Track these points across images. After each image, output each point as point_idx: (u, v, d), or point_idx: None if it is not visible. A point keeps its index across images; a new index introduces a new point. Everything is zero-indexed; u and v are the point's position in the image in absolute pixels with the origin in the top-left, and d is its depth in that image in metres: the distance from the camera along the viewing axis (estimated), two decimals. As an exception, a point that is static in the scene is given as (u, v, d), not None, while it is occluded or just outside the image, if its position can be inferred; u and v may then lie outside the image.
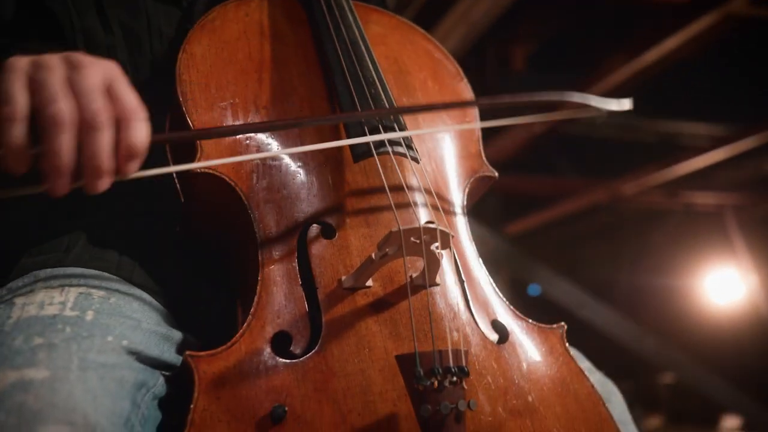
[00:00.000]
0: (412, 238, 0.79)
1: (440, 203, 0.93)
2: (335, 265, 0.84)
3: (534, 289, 10.11)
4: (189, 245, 0.96)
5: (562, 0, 4.48)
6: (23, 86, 0.72)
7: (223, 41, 0.97)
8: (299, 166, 0.90)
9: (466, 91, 1.10)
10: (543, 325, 0.93)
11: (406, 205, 0.87)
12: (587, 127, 7.27)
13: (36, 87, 0.72)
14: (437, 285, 0.85)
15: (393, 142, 0.90)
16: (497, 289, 0.94)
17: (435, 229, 0.79)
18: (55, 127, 0.70)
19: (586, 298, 3.99)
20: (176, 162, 0.91)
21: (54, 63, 0.74)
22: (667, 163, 6.73)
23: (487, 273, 0.95)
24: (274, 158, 0.89)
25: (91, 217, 0.95)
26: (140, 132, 0.75)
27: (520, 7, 4.35)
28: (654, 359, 4.69)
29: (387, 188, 0.86)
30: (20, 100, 0.71)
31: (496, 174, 1.05)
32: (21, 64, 0.74)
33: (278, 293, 0.82)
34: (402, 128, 0.92)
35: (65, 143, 0.71)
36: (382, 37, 1.08)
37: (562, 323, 0.94)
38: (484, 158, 1.05)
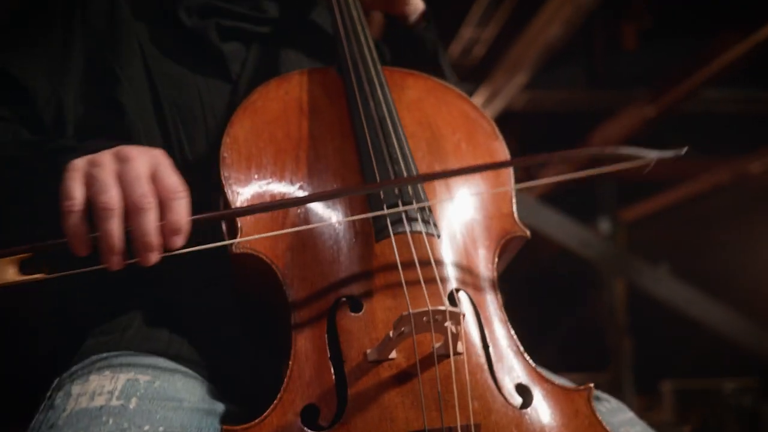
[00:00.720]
0: (424, 319, 0.85)
1: (462, 274, 0.98)
2: (361, 338, 0.92)
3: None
4: (234, 313, 1.06)
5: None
6: (80, 183, 0.87)
7: (264, 122, 1.06)
8: (330, 245, 0.98)
9: (501, 150, 1.14)
10: (569, 386, 0.96)
11: (423, 283, 0.93)
12: (706, 104, 6.95)
13: (91, 181, 0.86)
14: (460, 354, 0.91)
15: (411, 219, 0.97)
16: (524, 351, 0.99)
17: (444, 311, 0.85)
18: (105, 212, 0.85)
19: (702, 299, 3.86)
20: (227, 237, 1.02)
21: (105, 159, 0.89)
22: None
23: (515, 335, 1.00)
24: (307, 237, 0.98)
25: (147, 292, 1.08)
26: (181, 210, 0.88)
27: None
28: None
29: (400, 267, 0.93)
30: (77, 194, 0.86)
31: (529, 234, 1.09)
32: (79, 164, 0.89)
33: (308, 366, 0.91)
34: (421, 201, 0.99)
35: (115, 226, 0.85)
36: (417, 102, 1.14)
37: (591, 384, 0.97)
38: (516, 218, 1.09)
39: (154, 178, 0.88)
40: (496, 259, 1.05)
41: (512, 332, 1.00)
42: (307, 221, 1.00)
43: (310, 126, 1.07)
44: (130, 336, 1.03)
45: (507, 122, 7.59)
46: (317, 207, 1.00)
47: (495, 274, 1.04)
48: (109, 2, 1.15)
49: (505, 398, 0.92)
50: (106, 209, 0.84)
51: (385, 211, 0.95)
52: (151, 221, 0.85)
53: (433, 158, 1.09)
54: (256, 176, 1.02)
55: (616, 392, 6.53)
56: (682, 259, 9.49)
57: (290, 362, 0.91)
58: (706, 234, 8.74)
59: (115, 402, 0.88)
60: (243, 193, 1.01)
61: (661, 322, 5.94)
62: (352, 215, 0.99)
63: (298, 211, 1.00)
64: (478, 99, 6.27)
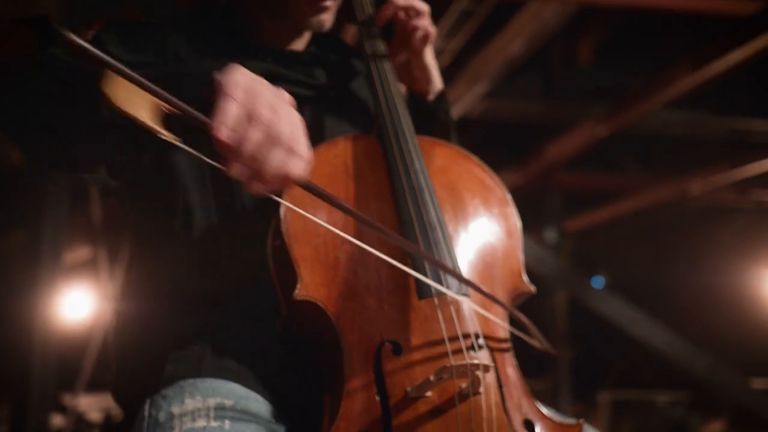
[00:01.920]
0: (462, 369, 1.08)
1: (483, 327, 1.21)
2: (403, 378, 1.13)
3: (597, 281, 10.31)
4: (290, 346, 1.26)
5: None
6: (242, 88, 0.99)
7: (318, 183, 1.26)
8: (377, 295, 1.19)
9: (512, 215, 1.37)
10: (565, 422, 1.20)
11: (456, 336, 1.16)
12: (654, 124, 7.37)
13: (253, 91, 0.99)
14: (480, 394, 1.14)
15: (448, 282, 1.19)
16: (528, 390, 1.23)
17: (479, 364, 1.08)
18: (257, 122, 0.96)
19: (639, 315, 4.20)
20: (281, 283, 1.22)
21: (262, 83, 1.02)
22: (736, 162, 6.76)
23: (521, 377, 1.23)
24: (356, 287, 1.19)
25: (216, 316, 1.27)
26: (300, 165, 1.02)
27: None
28: (707, 378, 4.87)
29: (442, 322, 1.15)
30: (241, 92, 0.98)
31: (534, 290, 1.33)
32: (248, 74, 1.01)
33: (358, 401, 1.12)
34: (459, 276, 1.20)
35: (256, 135, 0.96)
36: (443, 169, 1.36)
37: (581, 420, 1.21)
38: (524, 276, 1.33)
39: (294, 132, 1.02)
40: (508, 313, 1.28)
41: (520, 374, 1.24)
42: (357, 275, 1.20)
43: (355, 187, 1.28)
44: (206, 365, 1.21)
45: (465, 128, 7.89)
46: (367, 261, 1.21)
47: (507, 324, 1.27)
48: (187, 63, 1.33)
49: (515, 431, 1.15)
50: (261, 120, 0.96)
51: (433, 284, 1.16)
52: (278, 155, 0.98)
53: (457, 219, 1.31)
54: (312, 234, 1.22)
55: (553, 399, 6.94)
56: (620, 270, 9.99)
57: (342, 395, 1.12)
58: (646, 247, 9.25)
59: (213, 423, 1.07)
60: (302, 243, 1.21)
61: (600, 333, 6.31)
62: (395, 274, 1.20)
63: (350, 265, 1.20)
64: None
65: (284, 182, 1.01)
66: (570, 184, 7.81)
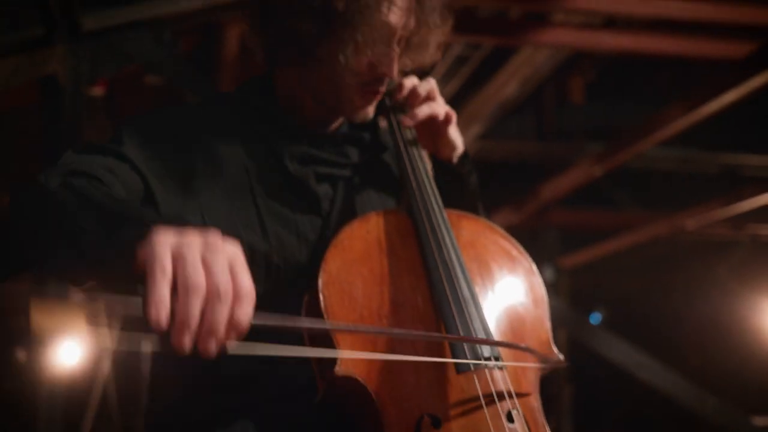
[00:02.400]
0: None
1: (517, 396, 1.27)
2: (442, 450, 1.19)
3: (595, 318, 10.38)
4: (327, 420, 1.31)
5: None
6: (169, 253, 0.93)
7: (352, 260, 1.32)
8: (415, 370, 1.25)
9: (538, 284, 1.43)
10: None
11: (493, 407, 1.22)
12: (645, 161, 7.51)
13: (179, 256, 0.93)
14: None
15: (484, 358, 1.25)
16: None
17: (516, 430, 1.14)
18: (194, 290, 0.91)
19: (643, 359, 4.25)
20: (319, 364, 1.27)
21: (195, 239, 0.95)
22: (730, 198, 6.86)
23: (546, 423, 1.29)
24: (395, 363, 1.25)
25: (251, 397, 1.32)
26: (249, 310, 0.95)
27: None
28: (715, 421, 4.91)
29: (481, 395, 1.21)
30: (168, 264, 0.92)
31: (562, 358, 1.39)
32: (169, 235, 0.95)
33: (401, 473, 1.17)
34: (496, 352, 1.27)
35: (198, 305, 0.91)
36: (471, 242, 1.43)
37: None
38: (552, 345, 1.39)
39: (231, 273, 0.95)
40: (537, 382, 1.34)
41: (545, 420, 1.29)
42: (394, 350, 1.26)
43: (389, 263, 1.34)
44: None
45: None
46: (404, 338, 1.26)
47: (537, 392, 1.33)
48: (230, 143, 1.40)
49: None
50: (196, 288, 0.90)
51: (471, 361, 1.22)
52: (225, 312, 0.92)
53: (486, 292, 1.37)
54: (350, 306, 1.28)
55: (556, 440, 6.92)
56: (617, 305, 10.05)
57: (385, 469, 1.17)
58: (643, 281, 9.33)
59: None
60: (340, 318, 1.26)
61: (602, 370, 6.33)
62: (431, 348, 1.26)
63: (388, 340, 1.26)
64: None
65: (238, 331, 0.95)
66: (565, 221, 7.91)
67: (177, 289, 0.92)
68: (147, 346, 0.96)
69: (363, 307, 1.29)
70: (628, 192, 8.37)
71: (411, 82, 1.53)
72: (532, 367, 1.31)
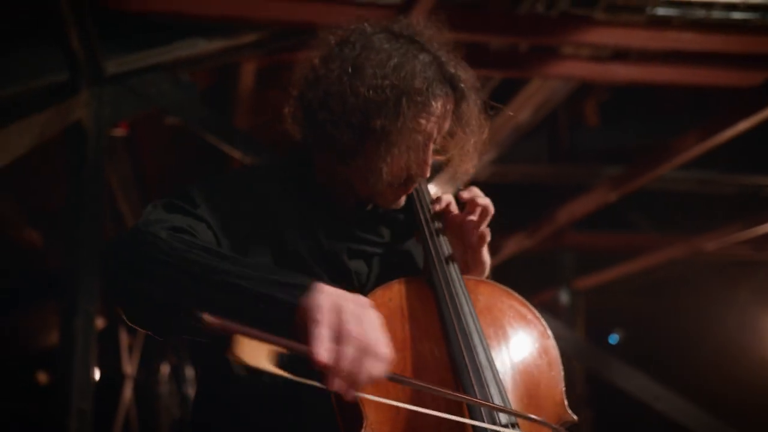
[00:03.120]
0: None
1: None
2: None
3: (614, 338, 10.44)
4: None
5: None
6: (334, 310, 1.16)
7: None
8: (436, 432, 1.37)
9: (552, 347, 1.54)
10: None
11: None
12: (663, 183, 7.57)
13: (339, 314, 1.15)
14: None
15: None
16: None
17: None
18: (350, 340, 1.14)
19: (661, 391, 4.33)
20: (344, 422, 1.38)
21: (350, 299, 1.18)
22: (750, 221, 6.91)
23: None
24: (418, 424, 1.36)
25: None
26: (384, 367, 1.19)
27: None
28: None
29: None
30: (332, 318, 1.15)
31: (576, 418, 1.50)
32: (328, 297, 1.17)
33: None
34: (506, 403, 1.38)
35: (350, 353, 1.14)
36: (488, 307, 1.54)
37: None
38: (566, 405, 1.49)
39: (377, 330, 1.19)
40: (552, 438, 1.44)
41: None
42: (418, 414, 1.37)
43: (410, 329, 1.46)
44: None
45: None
46: (426, 402, 1.37)
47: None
48: (273, 216, 1.51)
49: None
50: (353, 338, 1.13)
51: (490, 426, 1.33)
52: (369, 363, 1.15)
53: (502, 356, 1.48)
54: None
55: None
56: (635, 326, 10.10)
57: None
58: (661, 302, 9.38)
59: None
60: (368, 385, 1.38)
61: (620, 397, 6.39)
62: (449, 409, 1.37)
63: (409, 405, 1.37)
64: (444, 174, 6.76)
65: (373, 382, 1.19)
66: (581, 243, 7.98)
67: (336, 337, 1.14)
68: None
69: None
70: (645, 214, 8.43)
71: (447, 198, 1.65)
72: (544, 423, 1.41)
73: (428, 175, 1.55)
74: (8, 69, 3.53)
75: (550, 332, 1.56)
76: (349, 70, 1.44)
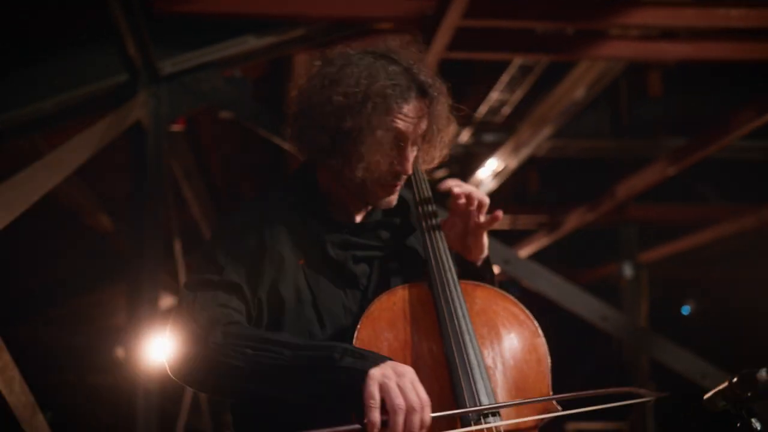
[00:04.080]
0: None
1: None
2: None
3: (686, 310, 10.41)
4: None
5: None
6: (378, 388, 1.41)
7: (381, 328, 1.65)
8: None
9: (541, 345, 1.71)
10: None
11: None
12: (731, 152, 7.48)
13: (385, 388, 1.41)
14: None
15: (485, 418, 1.55)
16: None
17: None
18: (399, 410, 1.39)
19: (709, 368, 4.41)
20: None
21: (390, 372, 1.42)
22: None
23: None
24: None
25: None
26: (428, 414, 1.44)
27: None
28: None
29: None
30: (377, 396, 1.40)
31: (560, 409, 1.68)
32: (376, 374, 1.43)
33: None
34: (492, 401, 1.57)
35: (402, 419, 1.40)
36: (484, 309, 1.73)
37: None
38: (555, 402, 1.67)
39: (415, 390, 1.43)
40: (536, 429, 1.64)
41: None
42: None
43: (411, 330, 1.66)
44: None
45: (532, 166, 8.16)
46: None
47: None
48: (285, 234, 1.74)
49: None
50: (400, 408, 1.38)
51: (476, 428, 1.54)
52: (418, 419, 1.40)
53: (494, 353, 1.67)
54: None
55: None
56: (703, 299, 10.02)
57: None
58: (728, 274, 9.28)
59: None
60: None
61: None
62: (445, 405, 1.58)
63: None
64: (504, 149, 6.89)
65: (426, 427, 1.44)
66: (645, 216, 7.98)
67: (386, 409, 1.41)
68: None
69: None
70: (713, 184, 8.35)
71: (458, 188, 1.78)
72: (530, 420, 1.61)
73: (410, 171, 1.74)
74: (74, 72, 3.86)
75: (540, 331, 1.74)
76: (327, 83, 1.67)
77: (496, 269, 1.96)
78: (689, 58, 4.69)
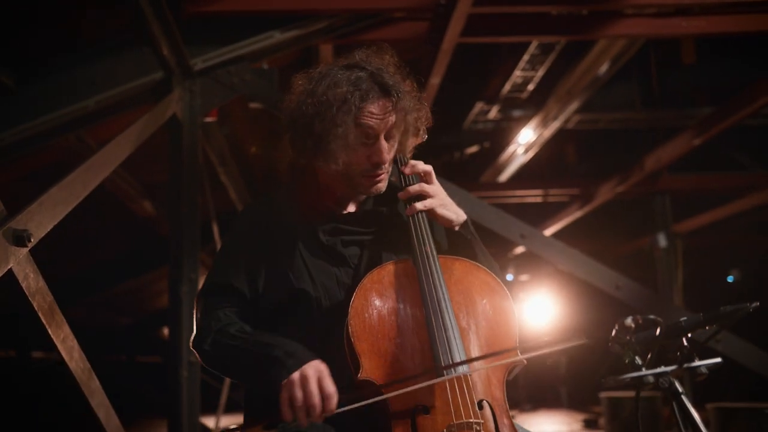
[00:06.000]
0: (463, 425, 1.84)
1: (485, 392, 1.95)
2: (429, 430, 1.90)
3: (731, 278, 10.57)
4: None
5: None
6: (287, 397, 1.81)
7: (372, 298, 2.03)
8: (413, 376, 1.96)
9: (509, 306, 2.08)
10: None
11: (462, 401, 1.91)
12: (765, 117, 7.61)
13: (291, 396, 1.81)
14: (484, 436, 1.89)
15: (455, 368, 1.93)
16: (516, 428, 1.96)
17: (472, 422, 1.83)
18: (299, 409, 1.79)
19: (750, 347, 4.67)
20: (353, 366, 2.00)
21: (296, 384, 1.80)
22: None
23: (512, 420, 1.96)
24: (400, 367, 1.96)
25: None
26: (332, 404, 1.82)
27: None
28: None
29: (448, 392, 1.90)
30: (285, 400, 1.81)
31: (525, 361, 2.04)
32: (295, 378, 1.80)
33: (402, 445, 1.89)
34: (462, 357, 1.95)
35: (303, 415, 1.79)
36: (460, 279, 2.10)
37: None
38: (518, 352, 2.04)
39: (320, 385, 1.80)
40: (504, 380, 2.01)
41: (511, 420, 1.96)
42: (399, 359, 1.97)
43: (397, 299, 2.05)
44: None
45: (564, 139, 8.41)
46: (406, 350, 1.97)
47: (504, 387, 1.99)
48: (283, 225, 2.14)
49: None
50: (299, 409, 1.79)
51: (443, 378, 1.92)
52: (317, 412, 1.81)
53: (469, 317, 2.05)
54: (369, 332, 1.99)
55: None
56: (743, 268, 10.14)
57: (392, 441, 1.90)
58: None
59: None
60: (362, 340, 1.98)
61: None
62: (425, 359, 1.96)
63: (395, 354, 1.97)
64: (531, 124, 7.18)
65: (331, 413, 1.84)
66: (679, 186, 8.17)
67: (294, 402, 1.83)
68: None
69: (378, 331, 2.00)
70: (749, 152, 8.47)
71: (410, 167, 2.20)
72: (493, 366, 1.98)
73: (386, 161, 2.09)
74: (114, 72, 4.31)
75: (509, 294, 2.11)
76: (303, 96, 2.05)
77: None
78: (703, 32, 4.91)
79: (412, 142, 2.21)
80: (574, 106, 6.92)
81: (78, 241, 6.81)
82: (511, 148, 7.66)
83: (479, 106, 7.21)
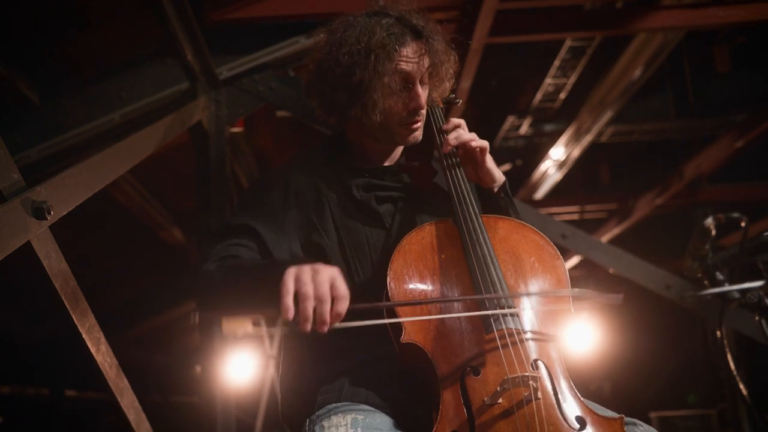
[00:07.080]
0: (517, 380, 1.69)
1: (539, 350, 1.81)
2: (480, 392, 1.75)
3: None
4: (404, 377, 1.91)
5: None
6: (293, 280, 1.63)
7: (411, 259, 1.92)
8: (458, 335, 1.83)
9: (561, 266, 1.96)
10: (609, 416, 1.77)
11: (515, 358, 1.77)
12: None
13: (298, 280, 1.63)
14: (539, 399, 1.74)
15: (505, 320, 1.80)
16: (578, 393, 1.81)
17: (528, 376, 1.69)
18: (305, 297, 1.62)
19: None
20: (394, 335, 1.87)
21: (306, 269, 1.65)
22: None
23: (571, 383, 1.81)
24: (444, 331, 1.83)
25: (349, 363, 1.95)
26: (344, 305, 1.65)
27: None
28: None
29: (501, 349, 1.77)
30: (291, 286, 1.62)
31: (572, 309, 1.90)
32: (292, 269, 1.65)
33: (451, 409, 1.74)
34: (512, 308, 1.82)
35: (309, 306, 1.62)
36: (505, 238, 1.99)
37: (622, 415, 1.78)
38: (572, 310, 1.91)
39: (332, 284, 1.63)
40: (560, 337, 1.87)
41: (571, 382, 1.82)
42: (443, 321, 1.85)
43: (439, 260, 1.93)
44: (344, 393, 1.89)
45: (597, 153, 8.26)
46: (450, 312, 1.85)
47: (560, 345, 1.86)
48: (312, 183, 2.05)
49: (569, 425, 1.73)
50: (308, 297, 1.60)
51: (490, 311, 1.79)
52: (327, 308, 1.60)
53: (517, 275, 1.92)
54: (409, 294, 1.88)
55: (727, 426, 7.09)
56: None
57: (440, 407, 1.75)
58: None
59: (350, 430, 1.74)
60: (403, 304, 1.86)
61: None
62: (470, 319, 1.83)
63: (439, 317, 1.85)
64: (564, 138, 7.06)
65: (339, 318, 1.65)
66: (720, 198, 7.96)
67: (299, 298, 1.64)
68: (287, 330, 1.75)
69: (419, 293, 1.89)
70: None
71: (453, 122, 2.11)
72: (548, 310, 1.86)
73: (424, 106, 2.03)
74: (139, 85, 4.28)
75: (558, 253, 1.99)
76: (334, 48, 1.99)
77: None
78: (740, 21, 4.79)
79: (443, 89, 2.13)
80: (607, 116, 6.80)
81: (108, 275, 6.78)
82: (544, 165, 7.54)
83: (510, 120, 7.11)
